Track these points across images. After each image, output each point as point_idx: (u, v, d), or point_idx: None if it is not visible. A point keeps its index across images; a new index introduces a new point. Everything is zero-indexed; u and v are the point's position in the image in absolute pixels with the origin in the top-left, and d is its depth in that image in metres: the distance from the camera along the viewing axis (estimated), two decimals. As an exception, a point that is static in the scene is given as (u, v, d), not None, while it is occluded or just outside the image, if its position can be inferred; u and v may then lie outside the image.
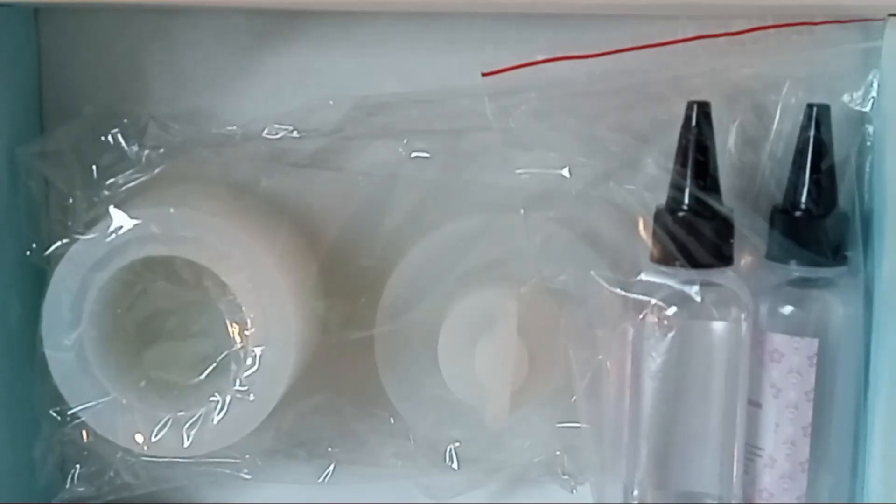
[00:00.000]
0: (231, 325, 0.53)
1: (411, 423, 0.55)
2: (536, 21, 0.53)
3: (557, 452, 0.55)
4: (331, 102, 0.54)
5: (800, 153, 0.49)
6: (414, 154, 0.54)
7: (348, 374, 0.56)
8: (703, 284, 0.49)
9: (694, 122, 0.49)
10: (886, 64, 0.49)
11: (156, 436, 0.51)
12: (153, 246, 0.50)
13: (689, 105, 0.49)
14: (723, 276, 0.49)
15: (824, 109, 0.49)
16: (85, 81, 0.56)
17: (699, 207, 0.48)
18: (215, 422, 0.51)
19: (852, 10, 0.50)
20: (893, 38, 0.49)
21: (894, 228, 0.48)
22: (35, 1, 0.54)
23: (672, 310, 0.49)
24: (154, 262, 0.52)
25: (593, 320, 0.51)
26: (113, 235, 0.50)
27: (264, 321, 0.50)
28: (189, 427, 0.51)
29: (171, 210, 0.50)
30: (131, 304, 0.54)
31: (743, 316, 0.49)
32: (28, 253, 0.53)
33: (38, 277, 0.52)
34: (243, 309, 0.51)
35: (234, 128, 0.54)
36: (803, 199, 0.49)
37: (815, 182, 0.48)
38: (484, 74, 0.51)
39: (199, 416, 0.51)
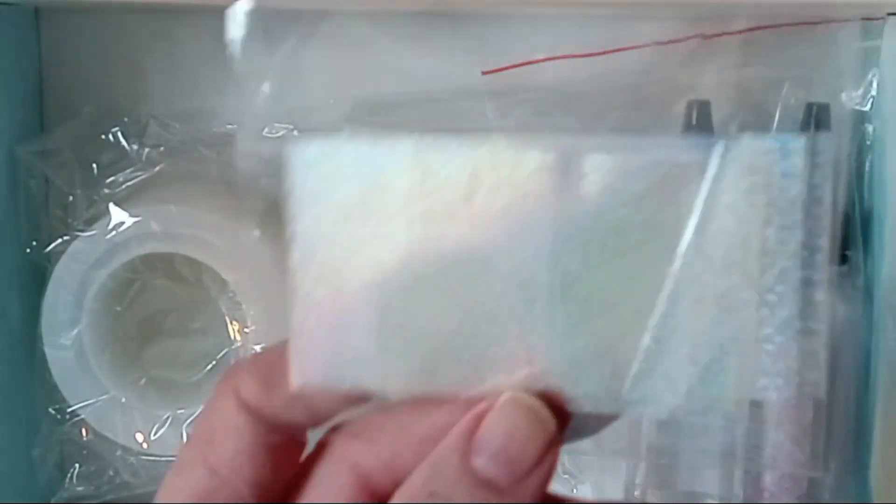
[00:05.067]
0: (231, 323, 0.53)
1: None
2: (536, 21, 0.53)
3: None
4: (331, 102, 0.54)
5: (799, 153, 0.49)
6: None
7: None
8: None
9: (694, 122, 0.49)
10: (886, 63, 0.50)
11: (155, 434, 0.51)
12: (153, 243, 0.50)
13: (689, 104, 0.49)
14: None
15: (824, 109, 0.49)
16: (85, 81, 0.56)
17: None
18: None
19: (852, 10, 0.50)
20: (893, 38, 0.49)
21: (894, 228, 0.49)
22: (35, 1, 0.54)
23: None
24: (154, 259, 0.52)
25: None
26: (113, 233, 0.50)
27: (264, 319, 0.50)
28: (189, 425, 0.51)
29: (172, 207, 0.50)
30: (131, 302, 0.54)
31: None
32: (28, 251, 0.53)
33: (37, 275, 0.52)
34: (243, 307, 0.51)
35: (234, 127, 0.54)
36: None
37: (814, 181, 0.49)
38: (484, 73, 0.51)
39: (200, 413, 0.51)
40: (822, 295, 0.28)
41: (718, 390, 0.28)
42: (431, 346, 0.29)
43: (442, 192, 0.28)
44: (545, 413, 0.28)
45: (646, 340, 0.28)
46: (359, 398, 0.30)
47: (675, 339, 0.28)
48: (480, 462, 0.27)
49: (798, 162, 0.27)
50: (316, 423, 0.30)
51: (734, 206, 0.27)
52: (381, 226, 0.28)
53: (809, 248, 0.28)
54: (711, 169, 0.27)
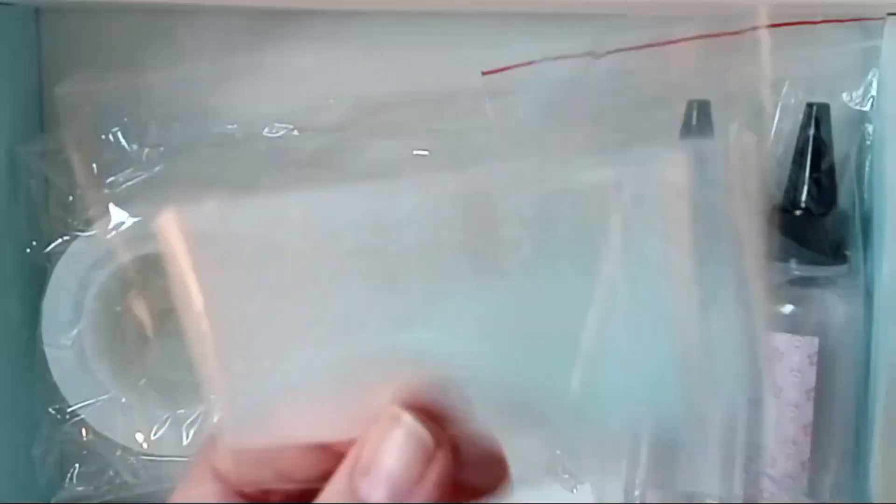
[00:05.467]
0: (231, 323, 0.52)
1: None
2: (536, 21, 0.53)
3: (557, 452, 0.54)
4: (331, 102, 0.54)
5: (800, 153, 0.49)
6: (415, 152, 0.54)
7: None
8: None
9: (694, 122, 0.49)
10: (886, 63, 0.50)
11: (155, 434, 0.51)
12: (153, 243, 0.50)
13: (689, 104, 0.49)
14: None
15: (824, 109, 0.49)
16: (85, 81, 0.56)
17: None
18: (215, 420, 0.51)
19: (852, 10, 0.50)
20: (893, 38, 0.49)
21: (894, 228, 0.49)
22: (35, 1, 0.54)
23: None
24: (154, 259, 0.52)
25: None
26: (113, 233, 0.50)
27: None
28: (189, 425, 0.51)
29: (172, 207, 0.50)
30: (131, 302, 0.54)
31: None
32: (28, 251, 0.53)
33: (38, 275, 0.52)
34: (243, 307, 0.51)
35: (234, 127, 0.54)
36: (803, 198, 0.49)
37: (814, 181, 0.49)
38: (484, 73, 0.51)
39: (199, 414, 0.51)
40: (756, 295, 0.27)
41: (663, 408, 0.27)
42: (354, 396, 0.28)
43: (345, 242, 0.27)
44: (421, 430, 0.27)
45: (580, 364, 0.27)
46: (327, 461, 0.30)
47: (612, 359, 0.27)
48: (363, 484, 0.27)
49: (714, 168, 0.26)
50: (290, 489, 0.31)
51: (658, 221, 0.26)
52: (287, 285, 0.28)
53: (739, 249, 0.27)
54: (629, 185, 0.26)
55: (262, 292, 0.28)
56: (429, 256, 0.27)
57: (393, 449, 0.27)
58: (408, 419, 0.27)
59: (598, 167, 0.27)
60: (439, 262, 0.27)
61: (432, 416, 0.28)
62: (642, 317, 0.27)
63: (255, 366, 0.28)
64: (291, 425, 0.29)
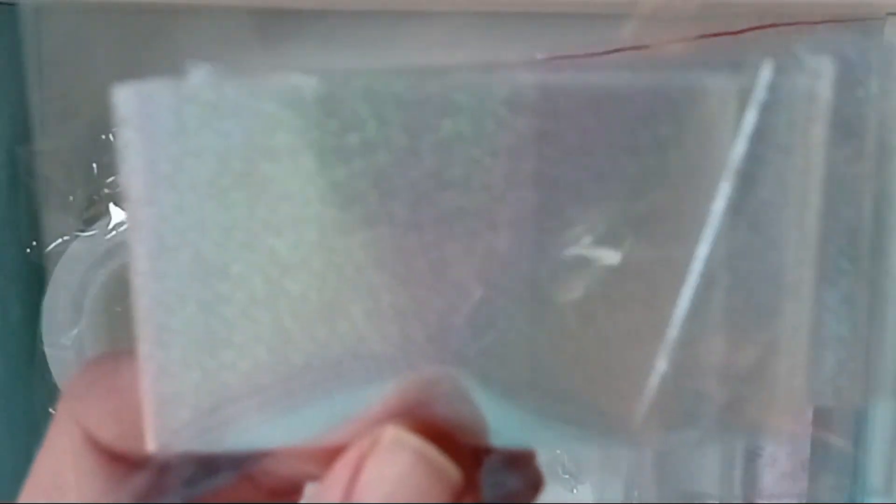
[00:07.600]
0: (231, 323, 0.52)
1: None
2: (536, 21, 0.53)
3: (558, 451, 0.55)
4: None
5: (800, 152, 0.49)
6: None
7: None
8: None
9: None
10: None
11: (155, 434, 0.51)
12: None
13: (690, 104, 0.49)
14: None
15: (824, 109, 0.49)
16: (85, 81, 0.56)
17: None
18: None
19: (852, 10, 0.50)
20: (893, 38, 0.49)
21: (895, 228, 0.49)
22: (35, 1, 0.54)
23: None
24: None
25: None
26: (113, 233, 0.50)
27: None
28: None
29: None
30: (131, 302, 0.54)
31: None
32: (28, 251, 0.53)
33: (37, 275, 0.52)
34: (243, 307, 0.51)
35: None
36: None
37: (815, 181, 0.48)
38: (484, 73, 0.51)
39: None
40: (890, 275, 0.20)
41: (757, 410, 0.19)
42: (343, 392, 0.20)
43: (362, 148, 0.19)
44: (442, 460, 0.20)
45: (664, 350, 0.19)
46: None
47: (704, 345, 0.19)
48: None
49: (865, 81, 0.19)
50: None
51: (784, 150, 0.19)
52: (270, 204, 0.19)
53: (883, 197, 0.20)
54: (756, 98, 0.19)
55: (247, 211, 0.19)
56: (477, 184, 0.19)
57: (408, 484, 0.20)
58: (424, 446, 0.20)
59: (716, 73, 0.19)
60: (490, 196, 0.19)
61: (445, 435, 0.21)
62: (748, 286, 0.19)
63: (221, 328, 0.20)
64: (249, 427, 0.21)
